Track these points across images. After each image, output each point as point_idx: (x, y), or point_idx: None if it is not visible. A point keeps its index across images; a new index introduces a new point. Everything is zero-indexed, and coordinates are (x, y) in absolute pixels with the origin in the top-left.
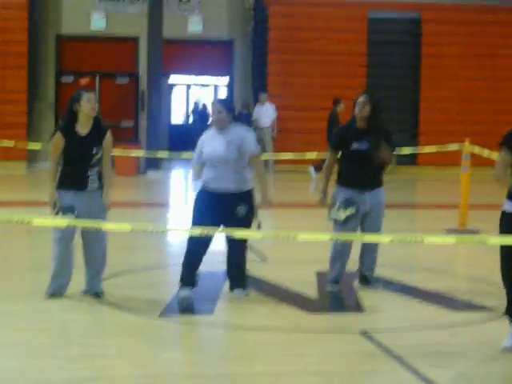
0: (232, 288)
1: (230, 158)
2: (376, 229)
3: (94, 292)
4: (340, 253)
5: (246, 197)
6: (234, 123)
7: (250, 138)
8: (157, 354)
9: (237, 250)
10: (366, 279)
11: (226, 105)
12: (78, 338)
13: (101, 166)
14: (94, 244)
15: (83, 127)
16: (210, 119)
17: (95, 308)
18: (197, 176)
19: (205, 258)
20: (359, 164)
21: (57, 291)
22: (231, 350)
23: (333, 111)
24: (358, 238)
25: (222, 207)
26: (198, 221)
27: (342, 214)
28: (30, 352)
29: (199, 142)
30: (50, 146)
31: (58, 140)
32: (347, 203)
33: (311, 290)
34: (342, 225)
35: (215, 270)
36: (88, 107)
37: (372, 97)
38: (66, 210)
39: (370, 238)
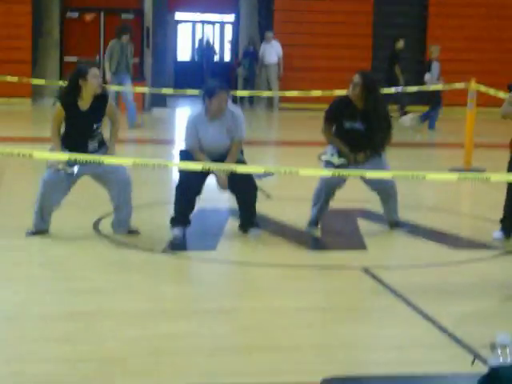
0: (247, 228)
1: (229, 144)
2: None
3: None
4: (320, 194)
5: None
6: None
7: (242, 121)
8: (158, 288)
9: (249, 189)
10: (396, 224)
11: (229, 92)
12: (79, 272)
13: (102, 130)
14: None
15: (86, 102)
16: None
17: (97, 243)
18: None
19: (208, 195)
20: (353, 143)
21: (38, 227)
22: (233, 285)
23: (394, 49)
24: (359, 174)
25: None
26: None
27: (336, 159)
28: (31, 286)
29: (191, 126)
30: (51, 117)
31: (59, 113)
32: (340, 154)
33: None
34: (333, 169)
35: (219, 206)
36: (95, 83)
37: (365, 77)
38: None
39: (371, 174)
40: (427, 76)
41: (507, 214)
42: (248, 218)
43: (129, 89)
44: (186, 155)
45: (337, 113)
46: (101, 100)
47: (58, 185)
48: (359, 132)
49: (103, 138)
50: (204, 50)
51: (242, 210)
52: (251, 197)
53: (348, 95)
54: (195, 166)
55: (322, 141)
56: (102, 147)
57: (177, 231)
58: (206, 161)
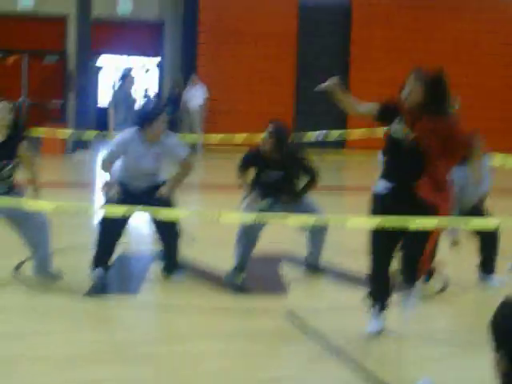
0: (170, 271)
1: (156, 170)
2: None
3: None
4: (242, 239)
5: (164, 183)
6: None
7: (178, 143)
8: (80, 333)
9: (172, 231)
10: (315, 267)
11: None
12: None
13: (15, 175)
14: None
15: None
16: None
17: (18, 287)
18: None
19: (133, 238)
20: (272, 189)
21: None
22: (155, 330)
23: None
24: (282, 220)
25: (143, 198)
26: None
27: (256, 204)
28: None
29: (120, 142)
30: None
31: None
32: (260, 197)
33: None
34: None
35: (142, 249)
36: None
37: (277, 130)
38: None
39: (294, 220)
40: None
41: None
42: (171, 261)
43: None
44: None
45: (252, 163)
46: (14, 137)
47: None
48: (277, 180)
49: (13, 183)
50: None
51: (165, 252)
52: (174, 239)
53: (260, 148)
54: (119, 210)
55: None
56: (11, 192)
57: (97, 272)
58: (109, 173)
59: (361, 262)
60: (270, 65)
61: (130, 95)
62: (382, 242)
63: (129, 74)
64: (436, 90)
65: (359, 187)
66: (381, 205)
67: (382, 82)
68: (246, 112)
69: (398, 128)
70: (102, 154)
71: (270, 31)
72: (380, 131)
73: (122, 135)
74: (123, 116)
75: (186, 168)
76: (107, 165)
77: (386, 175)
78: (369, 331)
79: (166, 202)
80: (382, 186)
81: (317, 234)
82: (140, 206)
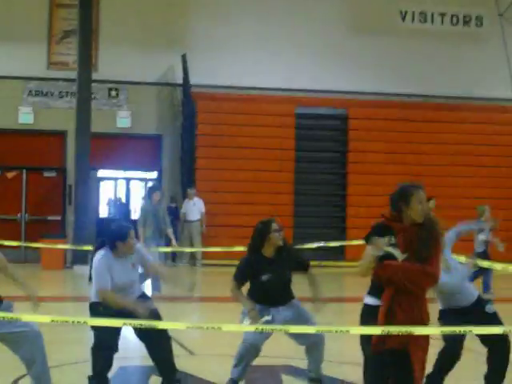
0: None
1: (135, 281)
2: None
3: None
4: (244, 355)
5: (146, 295)
6: None
7: (142, 249)
8: None
9: (165, 344)
10: (317, 380)
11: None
12: None
13: None
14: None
15: None
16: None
17: None
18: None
19: (130, 353)
20: (270, 291)
21: None
22: None
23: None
24: (283, 329)
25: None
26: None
27: (257, 321)
28: None
29: (103, 267)
30: None
31: None
32: (261, 312)
33: None
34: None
35: (140, 364)
36: None
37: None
38: None
39: (295, 329)
40: (482, 236)
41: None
42: (168, 375)
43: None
44: (97, 307)
45: (248, 270)
46: None
47: None
48: (274, 282)
49: None
50: (117, 206)
51: (160, 366)
52: (166, 351)
53: (260, 242)
54: (115, 322)
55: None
56: None
57: None
58: (120, 299)
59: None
60: (268, 177)
61: (158, 210)
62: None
63: (157, 189)
64: None
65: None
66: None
67: (378, 195)
68: (245, 225)
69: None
70: (95, 285)
71: (268, 144)
72: None
73: (99, 261)
74: (152, 230)
75: (157, 270)
76: (106, 292)
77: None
78: None
79: (156, 315)
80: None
81: (314, 349)
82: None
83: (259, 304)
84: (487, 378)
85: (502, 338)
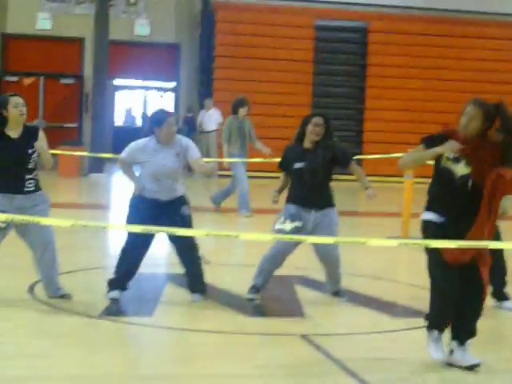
0: (193, 291)
1: (178, 171)
2: (324, 247)
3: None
4: (271, 262)
5: (184, 199)
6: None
7: (192, 144)
8: (93, 354)
9: (195, 251)
10: (335, 293)
11: (175, 116)
12: (13, 338)
13: (38, 168)
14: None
15: (14, 131)
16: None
17: (32, 309)
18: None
19: (146, 260)
20: (303, 183)
21: None
22: (170, 352)
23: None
24: (302, 240)
25: (164, 212)
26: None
27: (288, 226)
28: None
29: (138, 146)
30: None
31: None
32: (293, 217)
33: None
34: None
35: (156, 271)
36: (15, 112)
37: (328, 119)
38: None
39: (314, 239)
40: None
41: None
42: (196, 279)
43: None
44: (137, 203)
45: (288, 156)
46: (30, 129)
47: None
48: (306, 170)
49: (39, 182)
50: (142, 116)
51: (189, 272)
52: (196, 258)
53: (301, 133)
54: (136, 228)
55: (265, 208)
56: (35, 192)
57: (114, 294)
58: (130, 174)
59: (375, 286)
60: (286, 89)
61: (243, 125)
62: (451, 274)
63: (244, 103)
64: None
65: (374, 212)
66: (437, 230)
67: (396, 110)
68: (261, 137)
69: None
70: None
71: (287, 55)
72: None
73: (138, 141)
74: (239, 144)
75: (201, 166)
76: (125, 165)
77: (436, 208)
78: (435, 357)
79: (187, 222)
80: (433, 216)
81: (330, 266)
82: (158, 227)
83: (295, 205)
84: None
85: None
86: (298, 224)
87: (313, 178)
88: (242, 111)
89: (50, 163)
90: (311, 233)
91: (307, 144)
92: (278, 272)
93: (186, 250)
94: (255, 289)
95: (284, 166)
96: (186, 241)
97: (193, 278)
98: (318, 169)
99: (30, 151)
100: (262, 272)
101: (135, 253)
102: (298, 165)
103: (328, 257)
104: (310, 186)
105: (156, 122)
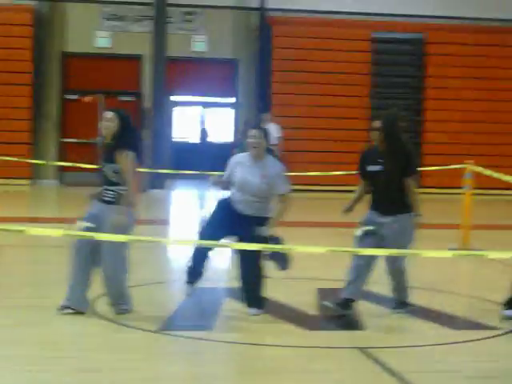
0: (249, 305)
1: (261, 192)
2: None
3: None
4: (360, 270)
5: (266, 221)
6: (268, 154)
7: (282, 176)
8: (157, 368)
9: (248, 266)
10: (401, 304)
11: (262, 130)
12: (75, 352)
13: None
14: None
15: None
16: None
17: (94, 322)
18: (219, 185)
19: (208, 274)
20: (377, 187)
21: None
22: (231, 366)
23: None
24: (352, 251)
25: (239, 222)
26: (211, 222)
27: (359, 230)
28: (24, 364)
29: (232, 163)
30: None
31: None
32: (367, 222)
33: (312, 307)
34: (359, 242)
35: (216, 286)
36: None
37: (385, 122)
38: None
39: (365, 251)
40: None
41: None
42: (246, 296)
43: None
44: (222, 203)
45: (363, 161)
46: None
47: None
48: (377, 174)
49: (120, 196)
50: (201, 131)
51: (244, 286)
52: (250, 275)
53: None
54: (188, 242)
55: (321, 221)
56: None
57: (188, 289)
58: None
59: (435, 299)
60: (344, 103)
61: None
62: None
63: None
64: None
65: (434, 224)
66: None
67: (456, 121)
68: (320, 150)
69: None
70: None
71: (344, 69)
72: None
73: (234, 156)
74: None
75: (284, 203)
76: (223, 182)
77: None
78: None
79: (258, 241)
80: None
81: (395, 275)
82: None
83: (373, 209)
84: None
85: None
86: (369, 228)
87: (388, 186)
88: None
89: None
90: (383, 240)
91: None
92: (340, 285)
93: (246, 264)
94: (344, 302)
95: (359, 169)
96: (247, 256)
97: (248, 292)
98: (392, 176)
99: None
100: (353, 283)
101: (200, 250)
102: (370, 168)
103: (394, 266)
104: (384, 193)
105: (243, 132)
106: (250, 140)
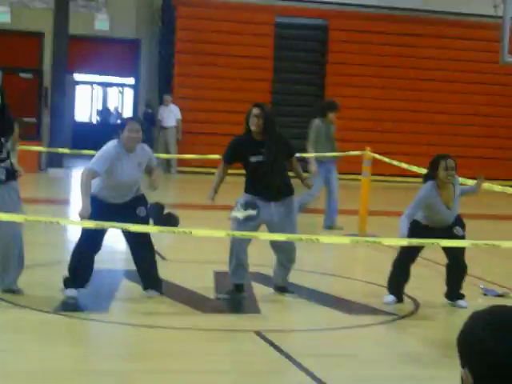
0: (146, 288)
1: (139, 180)
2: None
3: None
4: (235, 252)
5: (143, 199)
6: None
7: (151, 153)
8: (49, 349)
9: (147, 249)
10: (283, 288)
11: (141, 123)
12: None
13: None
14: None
15: None
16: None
17: None
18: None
19: (101, 256)
20: (261, 176)
21: None
22: (125, 347)
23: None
24: (253, 236)
25: (119, 213)
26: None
27: (241, 214)
28: None
29: (109, 156)
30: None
31: None
32: (248, 205)
33: (208, 290)
34: (240, 224)
35: (112, 267)
36: None
37: (265, 110)
38: None
39: (266, 236)
40: None
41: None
42: (151, 277)
43: (336, 184)
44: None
45: (238, 150)
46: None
47: None
48: (263, 164)
49: (11, 171)
50: (102, 111)
51: (143, 270)
52: (151, 255)
53: (249, 129)
54: (88, 224)
55: (222, 204)
56: (9, 180)
57: (70, 292)
58: (85, 192)
59: (331, 283)
60: (246, 86)
61: (331, 130)
62: None
63: (335, 108)
64: None
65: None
66: None
67: (356, 108)
68: (222, 133)
69: None
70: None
71: (247, 52)
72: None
73: (107, 149)
74: (327, 149)
75: (158, 168)
76: (89, 178)
77: None
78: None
79: (144, 221)
80: None
81: (285, 253)
82: (113, 223)
83: (253, 195)
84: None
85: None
86: (252, 212)
87: (273, 173)
88: (332, 116)
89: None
90: (271, 225)
91: (257, 136)
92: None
93: (140, 247)
94: (234, 287)
95: (231, 159)
96: (140, 239)
97: (146, 274)
98: (277, 164)
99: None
100: (231, 269)
101: (87, 251)
102: (253, 159)
103: (285, 245)
104: (268, 179)
105: (121, 125)
106: (132, 134)
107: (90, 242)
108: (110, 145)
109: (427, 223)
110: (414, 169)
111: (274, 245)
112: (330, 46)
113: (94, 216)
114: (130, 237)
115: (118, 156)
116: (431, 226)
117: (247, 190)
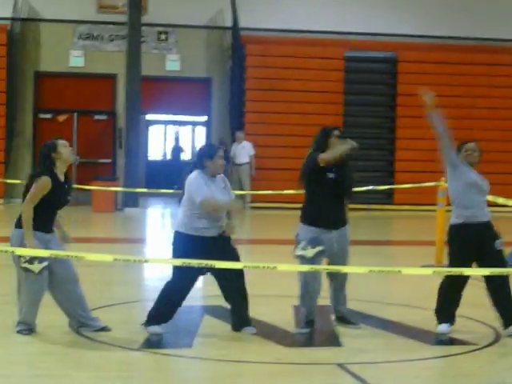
0: (240, 327)
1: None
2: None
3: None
4: (307, 287)
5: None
6: None
7: (227, 181)
8: None
9: (239, 285)
10: (344, 319)
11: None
12: (56, 371)
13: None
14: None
15: (61, 174)
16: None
17: (72, 342)
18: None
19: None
20: (334, 191)
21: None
22: (212, 383)
23: None
24: (336, 269)
25: (213, 249)
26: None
27: (310, 252)
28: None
29: (199, 182)
30: (36, 188)
31: (46, 185)
32: (314, 242)
33: (289, 324)
34: (309, 262)
35: (192, 304)
36: (67, 152)
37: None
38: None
39: (348, 269)
40: None
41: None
42: (241, 316)
43: None
44: (179, 237)
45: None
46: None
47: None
48: (340, 181)
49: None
50: (175, 149)
51: (233, 308)
52: (241, 293)
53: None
54: (175, 262)
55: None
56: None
57: (154, 329)
58: (220, 202)
59: (410, 315)
60: (317, 120)
61: None
62: None
63: None
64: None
65: (408, 241)
66: None
67: (429, 139)
68: (294, 168)
69: None
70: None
71: (317, 87)
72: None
73: (196, 178)
74: None
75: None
76: (209, 199)
77: None
78: None
79: (236, 256)
80: None
81: (339, 281)
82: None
83: (315, 227)
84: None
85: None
86: (320, 248)
87: (343, 193)
88: None
89: None
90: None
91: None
92: (319, 302)
93: (233, 282)
94: (305, 321)
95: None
96: (232, 273)
97: (240, 312)
98: (350, 182)
99: (69, 198)
100: (304, 302)
101: (181, 290)
102: (330, 175)
103: (339, 277)
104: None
105: (208, 154)
106: (222, 161)
107: (189, 282)
108: (196, 175)
109: None
110: (500, 200)
111: (331, 273)
112: (399, 78)
113: (191, 255)
114: (223, 273)
115: (206, 183)
116: None
117: (306, 219)
